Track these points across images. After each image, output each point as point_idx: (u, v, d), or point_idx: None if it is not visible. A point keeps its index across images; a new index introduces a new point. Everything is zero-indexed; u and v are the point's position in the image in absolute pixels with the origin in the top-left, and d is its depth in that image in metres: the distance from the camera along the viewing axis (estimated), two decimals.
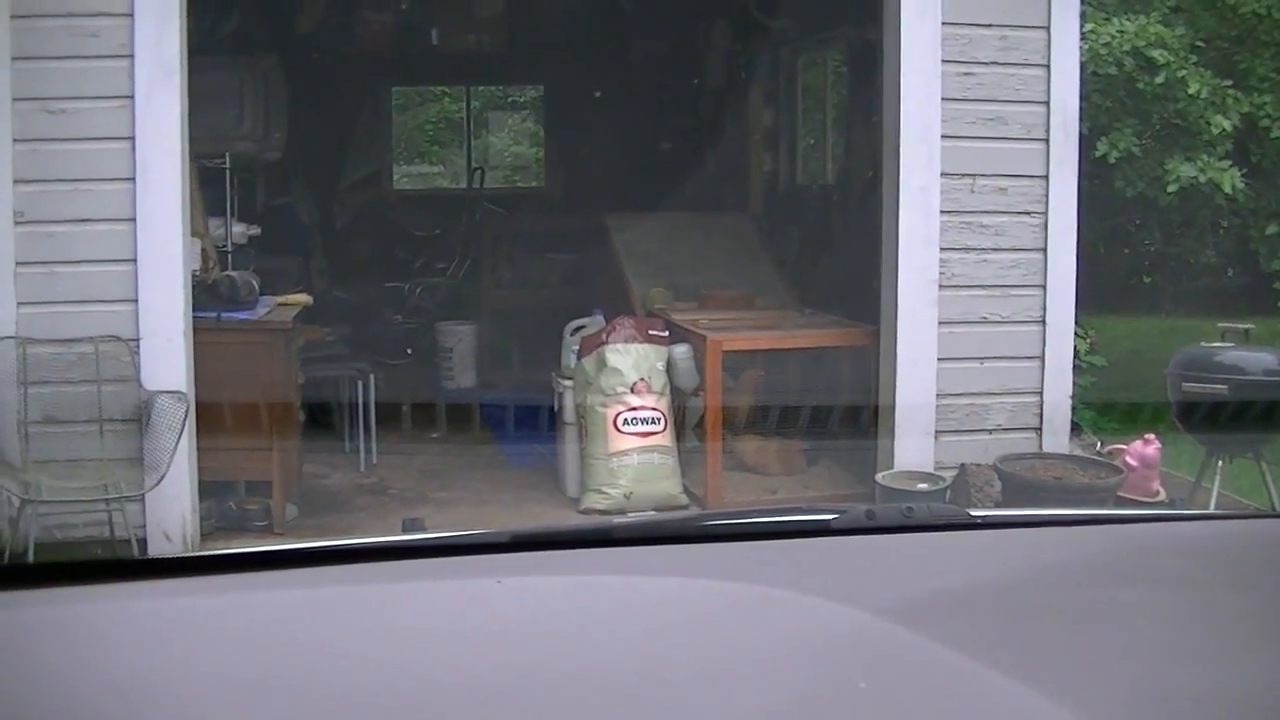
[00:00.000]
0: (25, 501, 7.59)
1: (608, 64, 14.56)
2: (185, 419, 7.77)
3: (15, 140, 7.88)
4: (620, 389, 9.07)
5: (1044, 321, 8.78)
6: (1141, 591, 2.26)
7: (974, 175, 8.66)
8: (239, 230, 10.40)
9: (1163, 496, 8.96)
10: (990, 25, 8.60)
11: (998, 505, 8.12)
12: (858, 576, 2.27)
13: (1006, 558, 2.43)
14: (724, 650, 1.94)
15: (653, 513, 8.86)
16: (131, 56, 7.90)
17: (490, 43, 14.60)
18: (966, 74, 8.60)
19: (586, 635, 2.00)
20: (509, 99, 22.65)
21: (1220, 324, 8.86)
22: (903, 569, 2.34)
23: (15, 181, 7.89)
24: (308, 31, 13.48)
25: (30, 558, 7.44)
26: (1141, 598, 2.22)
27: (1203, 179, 13.27)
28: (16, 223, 7.91)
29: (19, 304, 7.94)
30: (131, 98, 7.91)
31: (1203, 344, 8.85)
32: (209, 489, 8.43)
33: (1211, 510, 7.98)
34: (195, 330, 8.20)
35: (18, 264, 7.93)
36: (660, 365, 9.24)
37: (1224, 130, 13.58)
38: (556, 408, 9.64)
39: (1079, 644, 1.99)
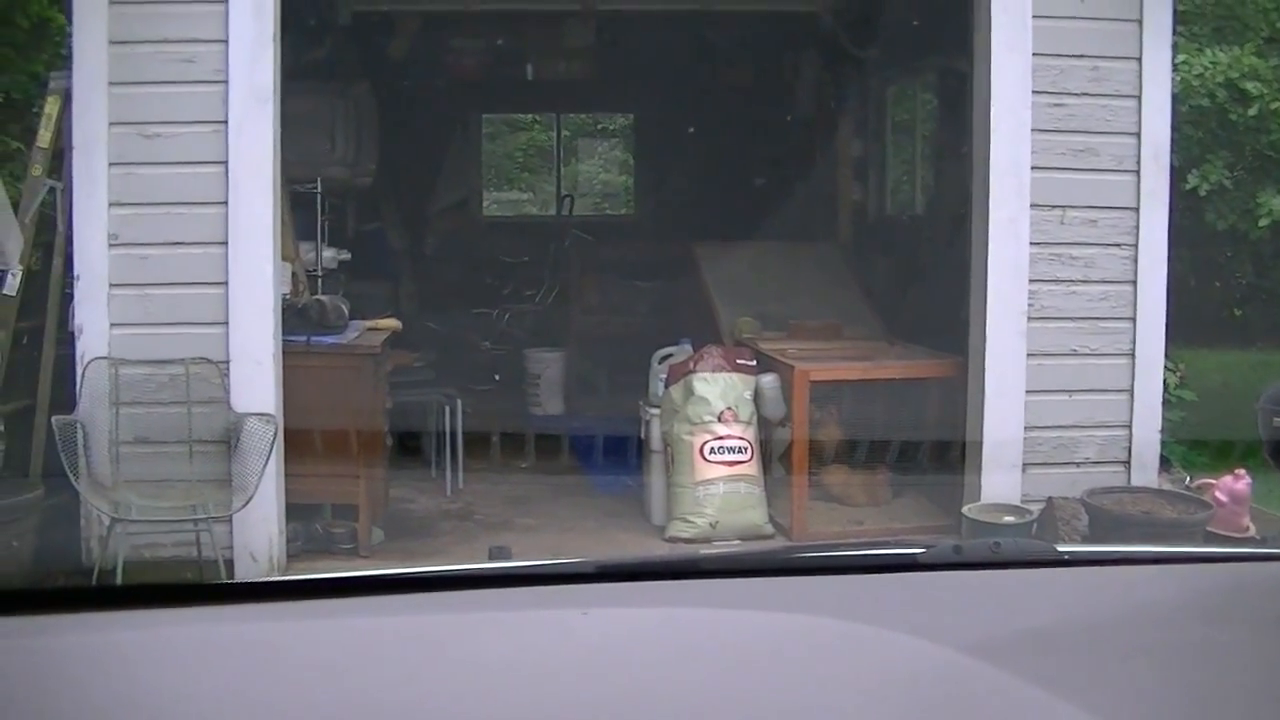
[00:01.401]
0: (115, 520, 7.67)
1: (697, 93, 14.58)
2: (274, 441, 7.82)
3: (111, 164, 7.98)
4: (707, 418, 9.07)
5: (1133, 354, 8.71)
6: (1235, 632, 2.23)
7: (1064, 207, 8.60)
8: (329, 255, 10.48)
9: (1253, 532, 8.85)
10: (1082, 56, 8.56)
11: (1085, 539, 8.06)
12: (944, 613, 2.26)
13: (1096, 596, 2.41)
14: (809, 686, 1.94)
15: (738, 543, 8.85)
16: (225, 82, 7.98)
17: (580, 71, 14.64)
18: (1057, 105, 8.55)
19: (672, 669, 2.00)
20: (599, 127, 22.73)
21: None
22: (990, 606, 2.33)
23: (110, 204, 7.99)
24: (399, 59, 13.57)
25: (119, 576, 7.51)
26: (1235, 639, 2.20)
27: None
28: (111, 245, 8.00)
29: (112, 325, 8.03)
30: (225, 123, 7.99)
31: None
32: (296, 511, 8.48)
33: None
34: (285, 353, 8.26)
35: (111, 285, 8.02)
36: (748, 394, 9.23)
37: None
38: (643, 435, 9.64)
39: (1172, 686, 1.97)
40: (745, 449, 9.11)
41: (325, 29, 11.83)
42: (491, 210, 19.97)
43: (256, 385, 8.07)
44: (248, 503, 7.77)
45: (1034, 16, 8.46)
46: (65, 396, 8.16)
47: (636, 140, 18.10)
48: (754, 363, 9.41)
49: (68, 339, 8.28)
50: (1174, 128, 9.09)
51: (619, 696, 1.89)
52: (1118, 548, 4.51)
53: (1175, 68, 10.19)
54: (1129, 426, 8.75)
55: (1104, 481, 8.60)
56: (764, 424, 9.33)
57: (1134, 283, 8.68)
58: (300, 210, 10.06)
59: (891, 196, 13.55)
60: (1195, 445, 10.90)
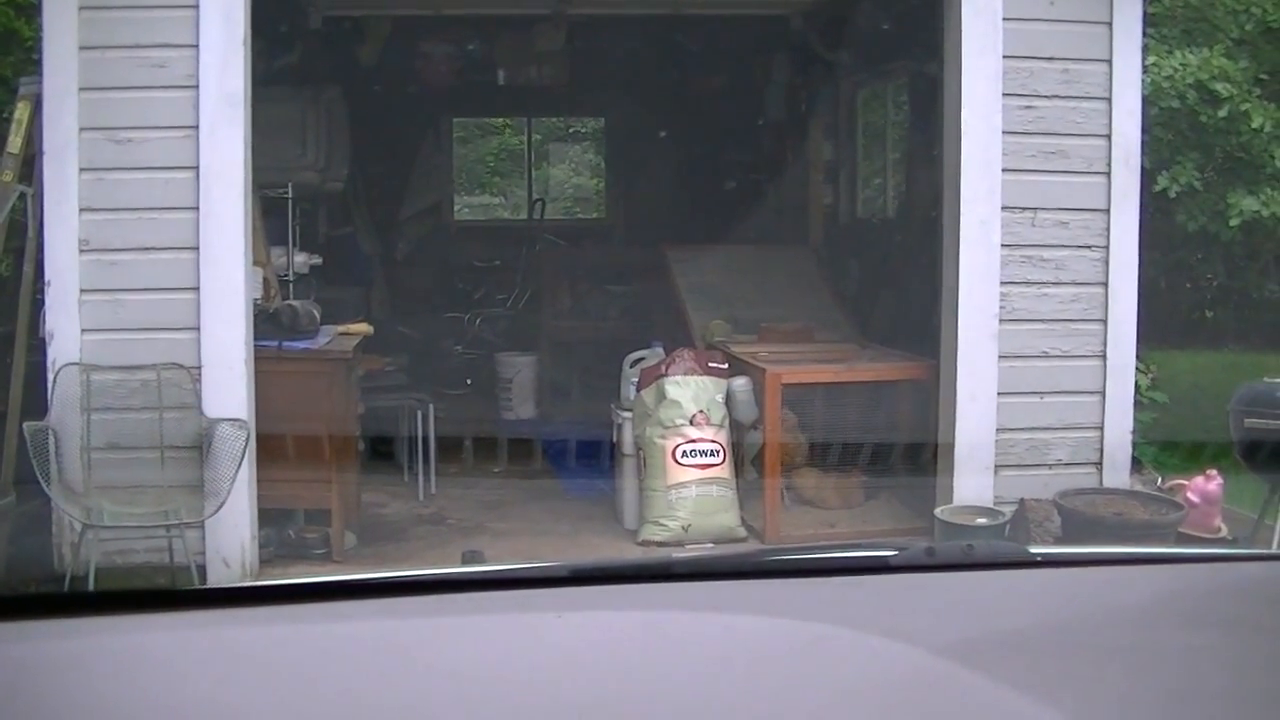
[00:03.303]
0: (86, 526, 7.64)
1: (668, 97, 14.59)
2: (245, 447, 7.81)
3: (81, 169, 7.96)
4: (679, 421, 9.06)
5: (1104, 356, 8.73)
6: (1206, 634, 2.24)
7: (1035, 209, 8.62)
8: (300, 260, 10.46)
9: (1224, 533, 8.88)
10: (1052, 59, 8.58)
11: (1057, 541, 8.07)
12: (917, 615, 2.26)
13: (1069, 597, 2.42)
14: (783, 689, 1.94)
15: (711, 546, 8.85)
16: (196, 87, 7.97)
17: (551, 75, 14.65)
18: (1027, 107, 8.58)
19: (646, 672, 2.00)
20: (570, 131, 22.69)
21: None
22: (963, 608, 2.33)
23: (81, 210, 7.97)
24: (370, 64, 13.57)
25: (91, 583, 7.49)
26: (1206, 641, 2.20)
27: (1266, 212, 13.16)
28: (82, 250, 7.98)
29: (83, 330, 8.01)
30: (196, 128, 7.98)
31: (1265, 379, 8.76)
32: (268, 516, 8.47)
33: (1276, 549, 7.92)
34: (256, 359, 8.24)
35: (82, 291, 8.00)
36: (719, 398, 9.23)
37: None
38: (615, 439, 9.64)
39: (1143, 688, 1.98)
40: (717, 452, 9.11)
41: (296, 34, 11.82)
42: (463, 214, 19.92)
43: (228, 390, 8.05)
44: (220, 508, 7.75)
45: (1004, 19, 8.48)
46: (36, 403, 8.13)
47: (608, 144, 18.07)
48: (726, 366, 9.41)
49: (39, 345, 8.25)
50: (1144, 129, 9.12)
51: (594, 700, 1.89)
52: (1090, 549, 4.52)
53: (1145, 70, 10.19)
54: (1101, 428, 8.77)
55: (1076, 483, 8.62)
56: (736, 427, 9.34)
57: (1105, 284, 8.70)
58: (271, 215, 10.05)
59: (863, 200, 13.57)
60: (1167, 446, 10.93)
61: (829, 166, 13.15)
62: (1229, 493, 9.05)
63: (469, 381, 13.85)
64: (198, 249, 8.01)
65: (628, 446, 9.46)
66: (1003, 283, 8.60)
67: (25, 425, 7.80)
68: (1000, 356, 8.60)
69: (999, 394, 8.62)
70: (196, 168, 7.99)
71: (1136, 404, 9.27)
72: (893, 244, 11.82)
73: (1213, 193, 13.75)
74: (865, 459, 9.34)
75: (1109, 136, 8.64)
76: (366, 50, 13.55)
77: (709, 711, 1.87)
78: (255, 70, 8.25)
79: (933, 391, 8.91)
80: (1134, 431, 9.06)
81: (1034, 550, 2.65)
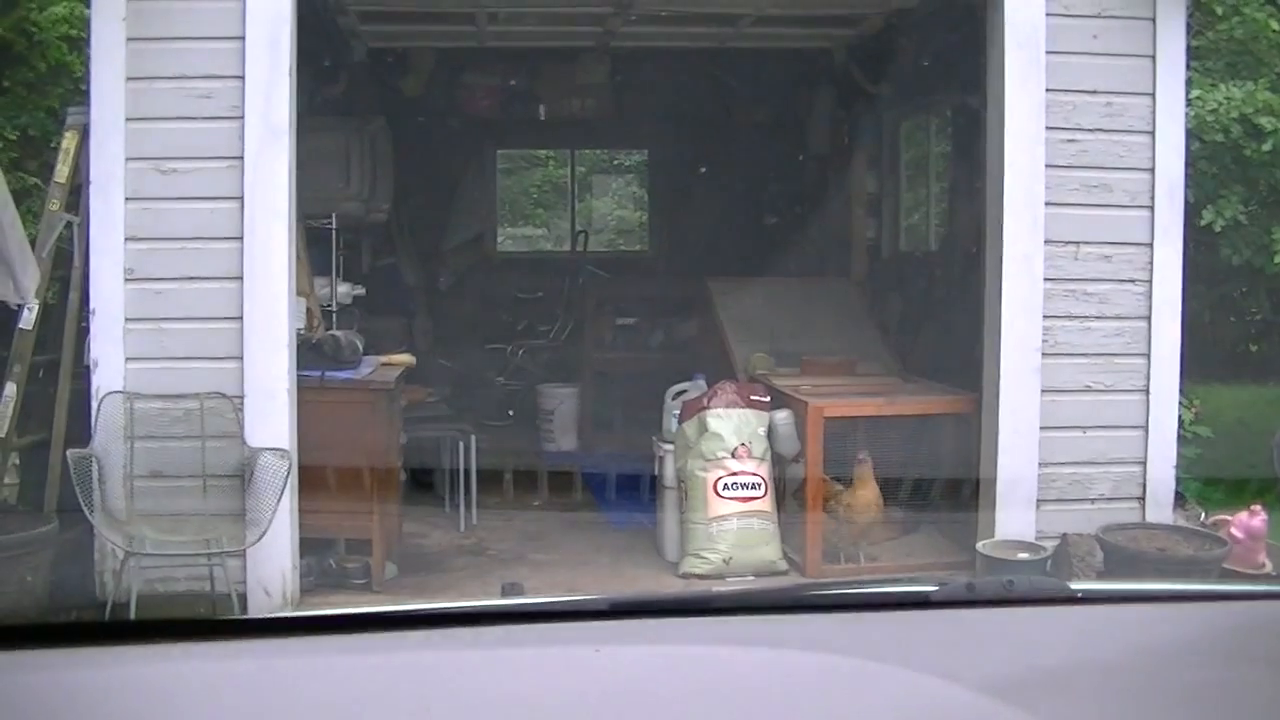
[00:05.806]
0: (128, 554, 7.68)
1: (711, 129, 14.58)
2: (287, 476, 7.82)
3: (127, 199, 8.01)
4: (721, 454, 9.06)
5: (1148, 391, 8.70)
6: (1251, 671, 2.23)
7: (1078, 243, 8.60)
8: (344, 290, 10.50)
9: (1269, 569, 8.83)
10: (1095, 92, 8.56)
11: (1100, 576, 8.04)
12: (958, 651, 2.25)
13: (1109, 634, 2.40)
14: None
15: (752, 579, 8.83)
16: (241, 118, 8.02)
17: (595, 107, 14.67)
18: (1070, 140, 8.56)
19: (684, 707, 1.99)
20: (614, 163, 22.70)
21: None
22: (1003, 644, 2.32)
23: (126, 239, 8.02)
24: (414, 95, 13.63)
25: (132, 610, 7.51)
26: (1251, 678, 2.19)
27: None
28: (127, 279, 8.03)
29: (127, 359, 8.05)
30: (241, 158, 8.02)
31: None
32: (309, 546, 8.48)
33: None
34: (299, 389, 8.27)
35: (127, 320, 8.05)
36: (761, 430, 9.22)
37: None
38: (657, 472, 9.63)
39: None
40: (759, 485, 9.10)
41: (341, 65, 11.87)
42: (506, 246, 19.93)
43: (271, 420, 8.08)
44: (261, 537, 7.77)
45: (1047, 52, 8.48)
46: (80, 431, 8.18)
47: (651, 176, 18.09)
48: (768, 399, 9.40)
49: (83, 373, 8.31)
50: (1188, 163, 9.10)
51: None
52: (1132, 585, 4.49)
53: (1189, 103, 10.16)
54: (1144, 463, 8.73)
55: (1119, 518, 8.58)
56: (778, 460, 9.32)
57: (1148, 318, 8.67)
58: (315, 245, 10.08)
59: (905, 232, 13.54)
60: (1210, 481, 10.86)
61: (871, 199, 13.13)
62: (1274, 528, 8.99)
63: (511, 413, 13.87)
64: (242, 279, 8.05)
65: (669, 479, 9.46)
66: (1045, 316, 8.58)
67: (69, 453, 7.84)
68: (1043, 390, 8.58)
69: (1041, 428, 8.59)
70: (241, 198, 8.03)
71: (1180, 439, 9.22)
72: (935, 277, 11.80)
73: (1257, 226, 13.68)
74: (907, 493, 9.31)
75: (1152, 170, 8.62)
76: (411, 82, 13.61)
77: None
78: (300, 101, 8.30)
79: (975, 425, 8.88)
80: (1177, 466, 9.01)
81: (1074, 586, 2.63)
